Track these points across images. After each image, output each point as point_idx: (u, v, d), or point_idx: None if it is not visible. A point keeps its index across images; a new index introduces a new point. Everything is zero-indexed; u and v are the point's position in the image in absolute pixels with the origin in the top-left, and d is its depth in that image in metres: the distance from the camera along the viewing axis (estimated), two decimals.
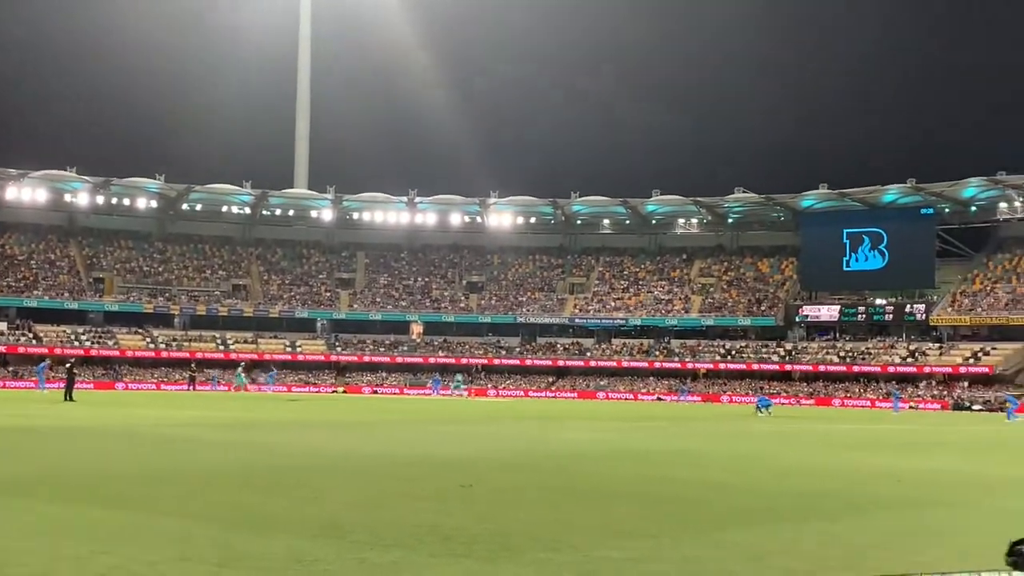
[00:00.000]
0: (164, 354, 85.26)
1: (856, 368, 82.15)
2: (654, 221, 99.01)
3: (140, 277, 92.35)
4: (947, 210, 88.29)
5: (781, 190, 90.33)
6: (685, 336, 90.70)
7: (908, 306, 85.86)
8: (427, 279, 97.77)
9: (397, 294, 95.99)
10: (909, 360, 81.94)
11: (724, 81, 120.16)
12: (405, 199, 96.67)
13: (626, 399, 79.85)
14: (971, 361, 79.65)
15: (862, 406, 73.56)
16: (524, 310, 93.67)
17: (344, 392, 79.14)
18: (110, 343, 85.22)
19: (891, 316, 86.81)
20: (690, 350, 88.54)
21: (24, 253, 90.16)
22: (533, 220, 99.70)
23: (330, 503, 13.47)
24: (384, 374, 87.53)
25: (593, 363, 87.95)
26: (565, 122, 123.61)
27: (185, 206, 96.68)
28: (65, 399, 46.50)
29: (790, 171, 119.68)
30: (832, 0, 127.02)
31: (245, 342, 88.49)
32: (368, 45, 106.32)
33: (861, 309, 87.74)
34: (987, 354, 79.37)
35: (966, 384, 78.26)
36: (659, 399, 78.84)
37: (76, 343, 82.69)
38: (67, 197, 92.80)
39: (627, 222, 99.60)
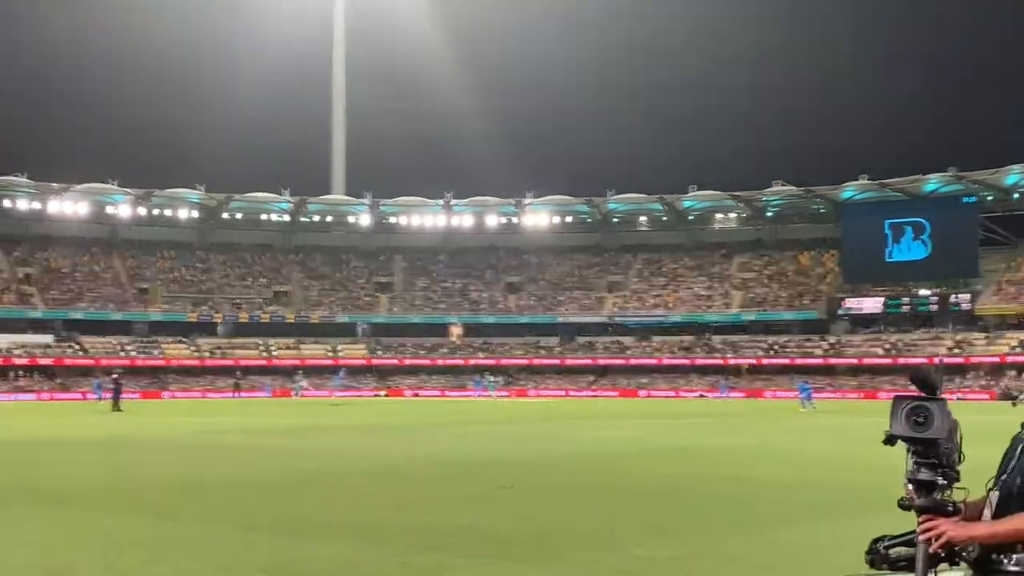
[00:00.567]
0: (208, 362, 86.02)
1: (902, 360, 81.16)
2: (691, 217, 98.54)
3: (183, 287, 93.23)
4: (989, 198, 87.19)
5: (819, 182, 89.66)
6: (726, 332, 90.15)
7: (953, 296, 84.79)
8: (465, 281, 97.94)
9: (436, 296, 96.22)
10: (955, 351, 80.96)
11: (758, 74, 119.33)
12: (441, 202, 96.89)
13: (668, 396, 79.53)
14: (1018, 350, 78.59)
15: None
16: (563, 309, 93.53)
17: (386, 395, 79.47)
18: (155, 353, 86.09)
19: (936, 307, 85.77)
20: (731, 346, 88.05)
21: (69, 266, 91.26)
22: (569, 219, 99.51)
23: (371, 507, 13.55)
24: (425, 376, 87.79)
25: (634, 361, 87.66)
26: (598, 120, 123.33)
27: (225, 215, 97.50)
28: (113, 410, 47.08)
29: (828, 163, 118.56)
30: None
31: (287, 348, 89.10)
32: (399, 49, 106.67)
33: (905, 300, 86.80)
34: None
35: (1014, 373, 77.23)
36: (701, 396, 78.44)
37: (122, 354, 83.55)
38: (109, 209, 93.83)
39: (664, 218, 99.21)
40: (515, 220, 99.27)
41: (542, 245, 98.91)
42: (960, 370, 79.16)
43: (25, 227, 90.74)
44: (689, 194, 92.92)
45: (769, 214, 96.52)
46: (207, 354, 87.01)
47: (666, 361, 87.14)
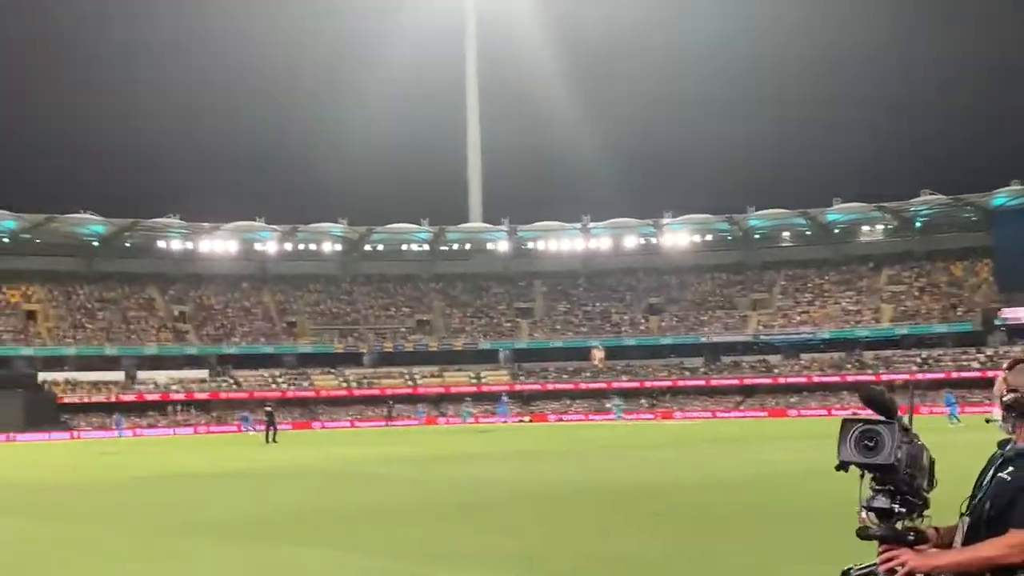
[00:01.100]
0: (356, 392, 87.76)
1: None
2: (836, 230, 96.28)
3: (329, 319, 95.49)
4: None
5: (969, 190, 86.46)
6: (877, 347, 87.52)
7: None
8: (605, 304, 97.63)
9: (576, 320, 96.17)
10: None
11: (899, 80, 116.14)
12: (578, 225, 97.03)
13: (819, 415, 77.59)
14: None
15: None
16: (706, 329, 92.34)
17: (530, 420, 79.63)
18: (305, 384, 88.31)
19: None
20: (884, 361, 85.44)
21: (221, 302, 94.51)
22: (709, 237, 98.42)
23: (524, 536, 13.51)
24: (568, 401, 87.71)
25: (781, 380, 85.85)
26: (735, 135, 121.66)
27: (367, 247, 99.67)
28: (268, 441, 48.33)
29: (976, 169, 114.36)
30: None
31: (431, 376, 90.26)
32: (529, 73, 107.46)
33: None
34: None
35: None
36: (854, 414, 76.08)
37: (273, 386, 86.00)
38: (257, 246, 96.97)
39: (807, 233, 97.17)
40: (654, 240, 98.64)
41: (682, 265, 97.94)
42: None
43: (179, 266, 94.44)
44: (833, 207, 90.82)
45: (918, 224, 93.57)
46: (354, 384, 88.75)
47: (816, 379, 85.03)
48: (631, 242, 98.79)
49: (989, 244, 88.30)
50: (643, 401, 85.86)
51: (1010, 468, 3.71)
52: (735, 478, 22.40)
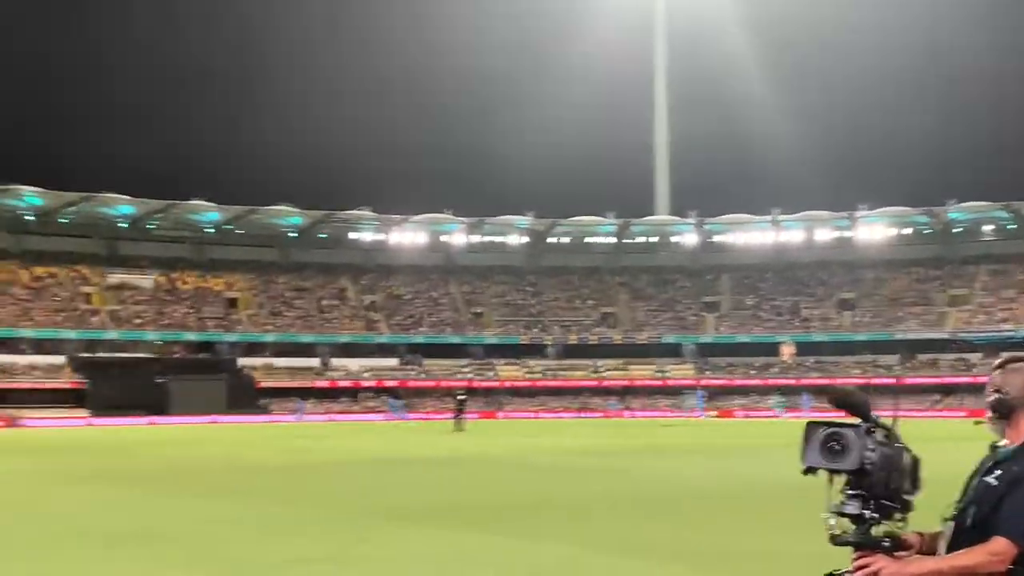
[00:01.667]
0: (539, 383, 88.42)
1: None
2: None
3: (515, 310, 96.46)
4: None
5: None
6: None
7: None
8: (795, 299, 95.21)
9: (764, 315, 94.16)
10: None
11: None
12: (768, 218, 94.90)
13: None
14: None
15: None
16: (901, 326, 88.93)
17: (717, 415, 78.40)
18: (490, 374, 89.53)
19: None
20: None
21: (409, 293, 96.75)
22: (907, 231, 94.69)
23: (714, 530, 13.26)
24: (757, 397, 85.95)
25: (981, 379, 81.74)
26: (931, 125, 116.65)
27: (552, 239, 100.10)
28: (455, 429, 49.14)
29: None
30: None
31: (616, 369, 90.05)
32: (719, 64, 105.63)
33: None
34: None
35: None
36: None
37: (460, 375, 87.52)
38: (444, 238, 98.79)
39: (1010, 226, 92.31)
40: (848, 234, 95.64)
41: (877, 259, 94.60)
42: None
43: (370, 257, 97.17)
44: None
45: None
46: (539, 375, 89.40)
47: None
48: (823, 235, 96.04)
49: None
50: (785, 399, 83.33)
51: (997, 472, 3.48)
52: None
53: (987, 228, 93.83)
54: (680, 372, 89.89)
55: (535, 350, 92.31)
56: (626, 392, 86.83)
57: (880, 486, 3.35)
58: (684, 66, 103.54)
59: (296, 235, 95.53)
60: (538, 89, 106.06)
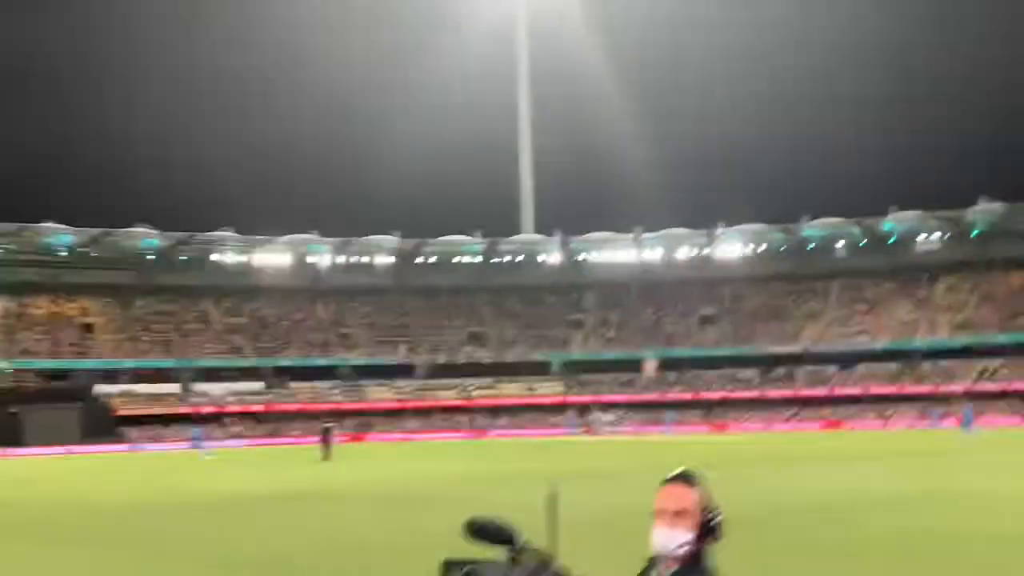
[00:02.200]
0: (409, 404, 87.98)
1: None
2: (892, 240, 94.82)
3: (383, 331, 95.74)
4: None
5: None
6: (935, 358, 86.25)
7: None
8: (658, 314, 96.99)
9: (629, 332, 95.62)
10: None
11: (958, 83, 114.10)
12: (631, 236, 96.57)
13: (875, 428, 76.59)
14: None
15: None
16: (760, 340, 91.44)
17: (584, 432, 79.09)
18: (359, 396, 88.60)
19: None
20: (942, 372, 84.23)
21: (275, 315, 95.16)
22: (763, 247, 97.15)
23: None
24: (622, 412, 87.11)
25: (837, 391, 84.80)
26: (788, 143, 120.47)
27: (419, 260, 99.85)
28: (323, 458, 48.26)
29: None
30: None
31: (485, 387, 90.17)
32: (580, 84, 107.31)
33: None
34: None
35: None
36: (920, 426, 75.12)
37: (328, 398, 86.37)
38: (310, 259, 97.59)
39: (862, 243, 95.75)
40: (707, 251, 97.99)
41: (736, 275, 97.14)
42: None
43: (233, 279, 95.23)
44: (889, 216, 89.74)
45: (975, 233, 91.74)
46: (408, 396, 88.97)
47: (873, 390, 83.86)
48: (684, 253, 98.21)
49: None
50: (697, 413, 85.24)
51: None
52: (787, 506, 21.93)
53: (839, 244, 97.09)
54: (549, 389, 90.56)
55: (404, 371, 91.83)
56: (496, 411, 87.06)
57: None
58: (547, 88, 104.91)
59: (155, 257, 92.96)
60: (403, 111, 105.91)
